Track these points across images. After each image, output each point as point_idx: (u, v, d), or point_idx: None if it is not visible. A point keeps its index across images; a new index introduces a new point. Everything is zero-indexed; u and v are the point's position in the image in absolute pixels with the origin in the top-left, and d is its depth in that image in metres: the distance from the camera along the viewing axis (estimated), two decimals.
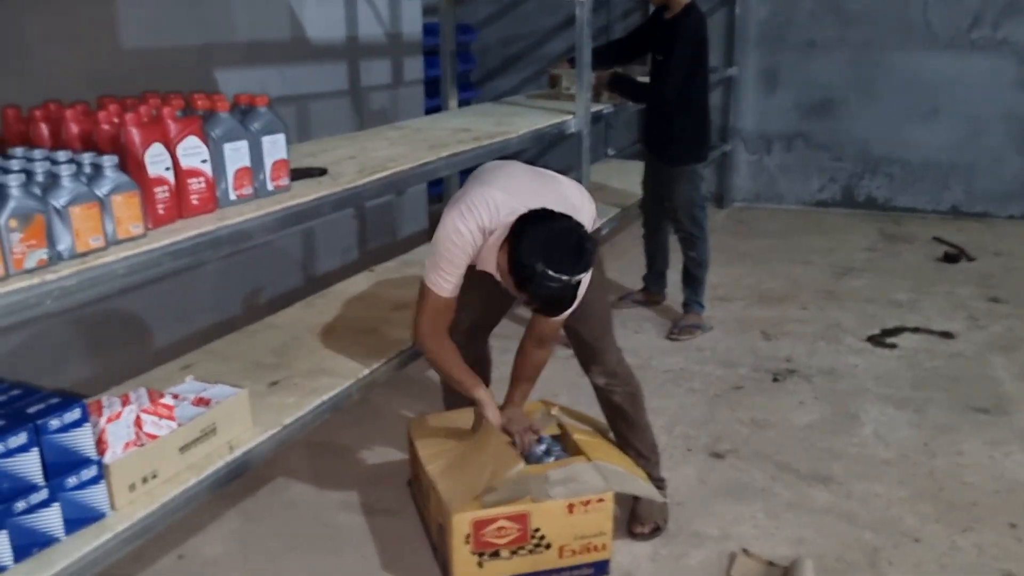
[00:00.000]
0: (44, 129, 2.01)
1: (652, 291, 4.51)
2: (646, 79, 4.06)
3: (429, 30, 5.21)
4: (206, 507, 2.73)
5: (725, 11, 6.30)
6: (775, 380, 3.67)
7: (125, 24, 3.42)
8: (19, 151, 1.81)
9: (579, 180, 3.35)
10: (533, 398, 2.77)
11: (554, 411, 2.80)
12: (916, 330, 4.14)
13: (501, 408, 2.58)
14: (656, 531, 2.61)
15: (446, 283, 2.37)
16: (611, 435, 2.77)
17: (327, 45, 4.53)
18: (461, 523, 2.26)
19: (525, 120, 3.60)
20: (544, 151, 6.45)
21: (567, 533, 2.35)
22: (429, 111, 5.18)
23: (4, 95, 2.27)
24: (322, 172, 2.53)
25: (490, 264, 2.35)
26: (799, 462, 3.03)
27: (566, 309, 2.31)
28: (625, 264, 4.86)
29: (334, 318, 3.04)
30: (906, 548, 2.55)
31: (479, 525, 2.28)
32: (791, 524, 2.68)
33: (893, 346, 3.98)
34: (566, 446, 2.65)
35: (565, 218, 2.26)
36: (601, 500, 2.35)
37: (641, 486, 2.52)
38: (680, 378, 3.69)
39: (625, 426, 2.72)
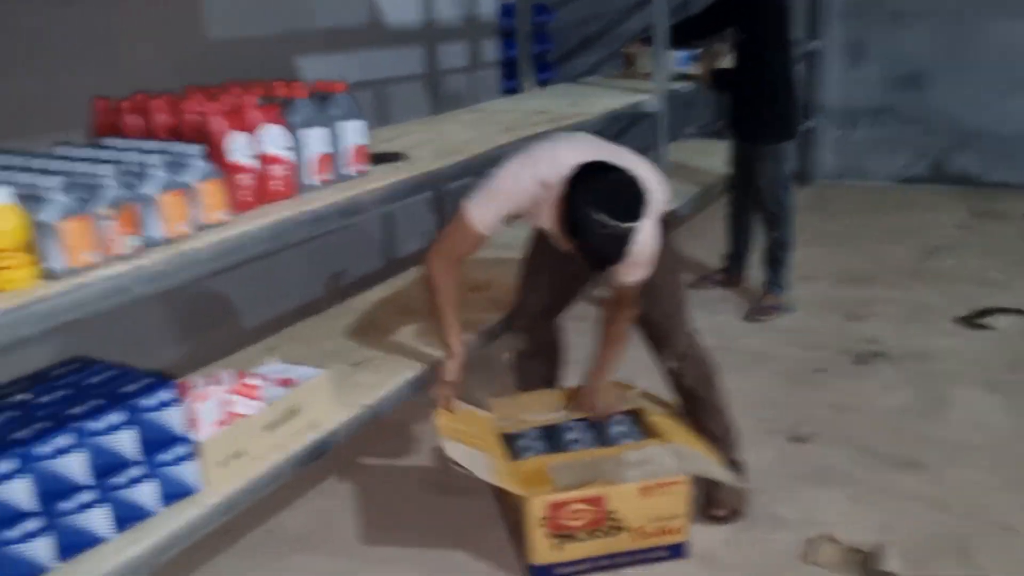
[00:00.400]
0: (133, 120, 2.09)
1: (732, 272, 4.44)
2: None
3: (506, 11, 5.22)
4: (292, 484, 2.81)
5: None
6: (860, 362, 3.58)
7: (209, 15, 3.51)
8: (110, 142, 1.89)
9: (656, 160, 3.33)
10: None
11: (631, 393, 2.79)
12: (1009, 310, 3.99)
13: (584, 383, 2.57)
14: (734, 515, 2.59)
15: (484, 216, 2.32)
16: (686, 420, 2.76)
17: (404, 29, 4.58)
18: (537, 506, 2.28)
19: (601, 100, 3.59)
20: (622, 131, 6.35)
21: (642, 515, 2.34)
22: (506, 92, 5.19)
23: (95, 86, 2.36)
24: (400, 157, 2.56)
25: (548, 220, 2.35)
26: (884, 447, 2.95)
27: (616, 261, 2.22)
28: (705, 244, 4.79)
29: (412, 300, 3.09)
30: (997, 537, 2.47)
31: (555, 508, 2.29)
32: (876, 510, 2.62)
33: (985, 327, 3.84)
34: (642, 428, 2.65)
35: (624, 171, 2.23)
36: (676, 483, 2.34)
37: (717, 470, 2.50)
38: (760, 359, 3.64)
39: (698, 408, 2.69)
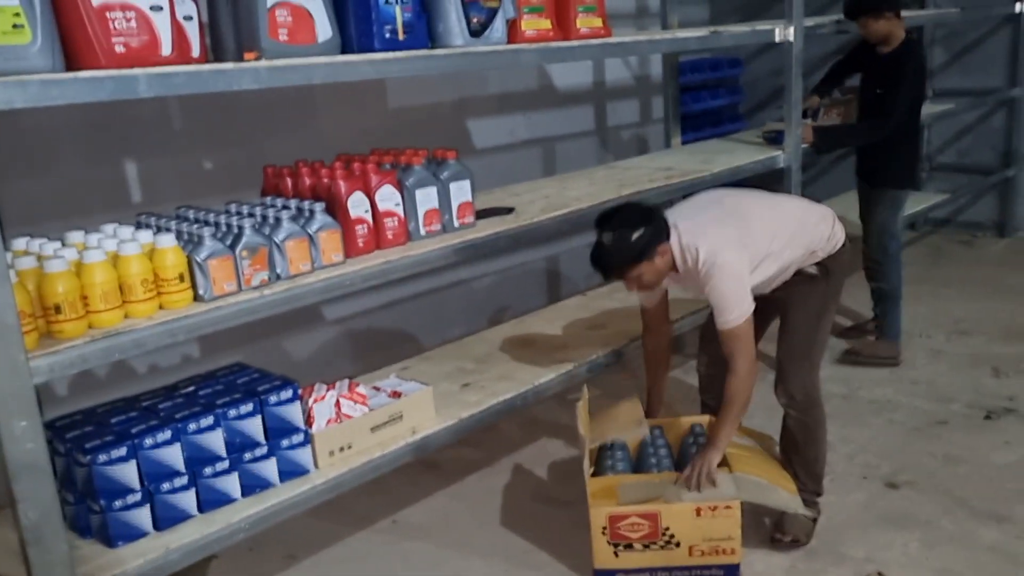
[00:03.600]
0: (288, 183, 2.70)
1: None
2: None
3: (691, 67, 5.52)
4: (420, 484, 3.34)
5: (1009, 28, 5.93)
6: (987, 418, 3.55)
7: (392, 88, 4.17)
8: (268, 199, 2.51)
9: None
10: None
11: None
12: None
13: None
14: (795, 543, 2.76)
15: (745, 310, 2.59)
16: (777, 448, 2.95)
17: (573, 91, 5.05)
18: (598, 516, 2.62)
19: (730, 157, 3.85)
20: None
21: (695, 534, 2.61)
22: (686, 143, 5.50)
23: (298, 150, 3.00)
24: (510, 211, 3.02)
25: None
26: (979, 500, 2.98)
27: (599, 269, 2.61)
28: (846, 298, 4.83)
29: (536, 334, 3.52)
30: None
31: (614, 520, 2.61)
32: (944, 556, 2.70)
33: None
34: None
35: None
36: (728, 507, 2.58)
37: (781, 497, 2.69)
38: (883, 409, 3.70)
39: (792, 450, 2.86)
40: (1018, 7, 5.77)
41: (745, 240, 2.66)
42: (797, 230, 2.78)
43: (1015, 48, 5.91)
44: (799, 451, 2.85)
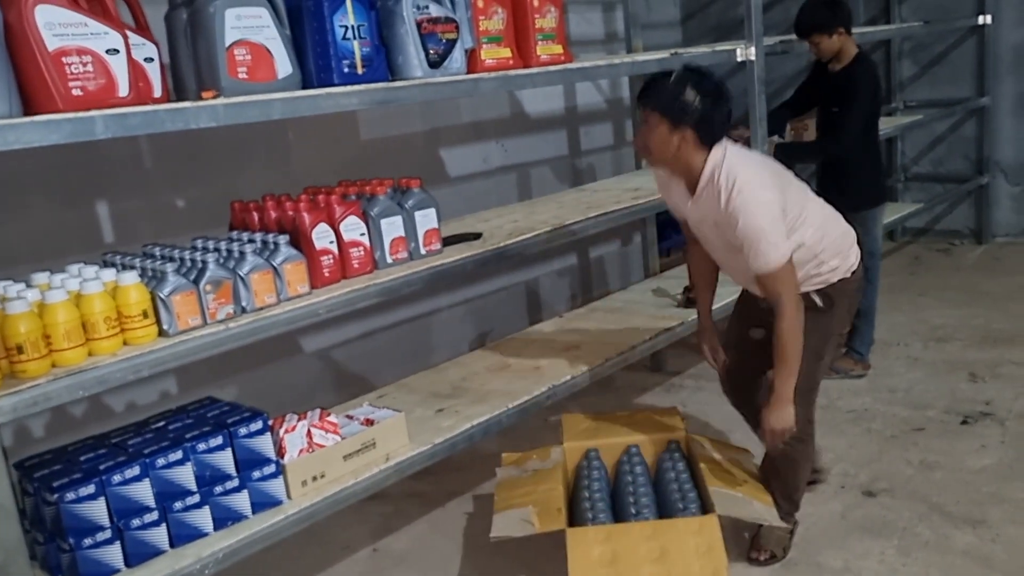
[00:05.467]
0: (255, 217, 2.73)
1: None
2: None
3: None
4: (402, 512, 3.35)
5: (974, 40, 6.02)
6: (964, 423, 3.57)
7: (364, 120, 4.22)
8: (234, 234, 2.54)
9: None
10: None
11: (696, 442, 3.06)
12: None
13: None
14: (772, 559, 2.77)
15: (784, 249, 2.40)
16: (754, 460, 2.97)
17: (546, 117, 5.11)
18: (573, 535, 2.63)
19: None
20: None
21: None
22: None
23: (271, 185, 3.03)
24: (477, 236, 3.06)
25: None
26: (955, 505, 3.00)
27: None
28: None
29: (513, 357, 3.54)
30: None
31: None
32: (920, 563, 2.71)
33: None
34: (693, 474, 2.90)
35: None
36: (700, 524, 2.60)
37: (756, 510, 2.70)
38: (861, 418, 3.72)
39: (772, 476, 2.80)
40: (981, 19, 5.86)
41: (787, 207, 2.47)
42: (822, 225, 2.63)
43: (981, 58, 6.00)
44: (779, 478, 2.81)
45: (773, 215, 2.40)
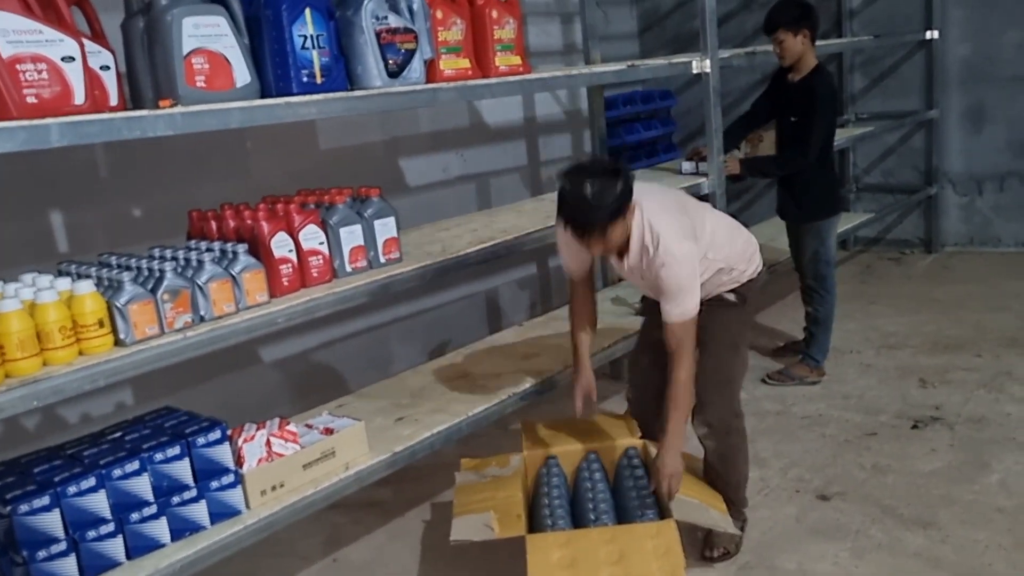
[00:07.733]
0: (213, 226, 2.72)
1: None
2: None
3: (624, 100, 5.66)
4: (362, 522, 3.34)
5: (923, 54, 6.18)
6: (914, 427, 3.65)
7: (323, 129, 4.22)
8: (192, 243, 2.53)
9: None
10: None
11: (651, 449, 3.09)
12: None
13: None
14: (725, 555, 2.83)
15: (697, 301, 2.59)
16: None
17: (505, 128, 5.14)
18: (533, 540, 2.65)
19: (657, 185, 3.94)
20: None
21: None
22: None
23: (230, 194, 3.00)
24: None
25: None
26: (906, 507, 3.06)
27: (582, 223, 2.47)
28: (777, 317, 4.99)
29: (473, 366, 3.55)
30: None
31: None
32: (873, 564, 2.77)
33: None
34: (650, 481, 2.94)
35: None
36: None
37: (713, 517, 2.75)
38: (815, 424, 3.79)
39: (715, 479, 2.89)
40: (929, 34, 6.02)
41: (697, 234, 2.67)
42: (728, 241, 2.82)
43: (929, 72, 6.15)
44: (721, 478, 2.90)
45: (692, 267, 2.58)
